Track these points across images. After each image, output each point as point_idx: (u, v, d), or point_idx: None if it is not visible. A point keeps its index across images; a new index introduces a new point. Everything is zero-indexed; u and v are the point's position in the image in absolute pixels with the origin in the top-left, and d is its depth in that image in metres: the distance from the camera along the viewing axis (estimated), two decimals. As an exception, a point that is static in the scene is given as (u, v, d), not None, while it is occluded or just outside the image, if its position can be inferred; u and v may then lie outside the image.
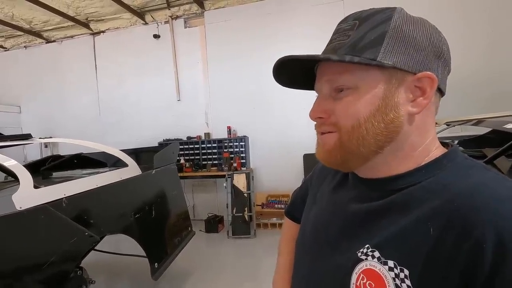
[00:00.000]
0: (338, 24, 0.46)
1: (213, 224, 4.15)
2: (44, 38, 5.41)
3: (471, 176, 0.39)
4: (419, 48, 0.41)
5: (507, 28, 3.57)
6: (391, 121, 0.41)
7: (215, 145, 4.61)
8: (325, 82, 0.45)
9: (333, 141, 0.45)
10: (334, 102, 0.44)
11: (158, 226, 2.37)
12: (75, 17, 4.81)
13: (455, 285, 0.33)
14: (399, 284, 0.37)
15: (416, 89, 0.41)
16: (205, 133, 4.70)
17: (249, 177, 4.00)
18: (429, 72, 0.40)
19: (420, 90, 0.41)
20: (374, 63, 0.40)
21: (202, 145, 4.67)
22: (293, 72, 0.48)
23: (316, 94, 0.49)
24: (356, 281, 0.41)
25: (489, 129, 1.75)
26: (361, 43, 0.41)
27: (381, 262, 0.39)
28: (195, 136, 4.74)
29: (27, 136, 2.22)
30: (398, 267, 0.37)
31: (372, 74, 0.41)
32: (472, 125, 1.81)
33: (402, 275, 0.37)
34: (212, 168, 4.57)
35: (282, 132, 4.40)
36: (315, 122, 0.49)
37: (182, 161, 4.58)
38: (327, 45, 0.46)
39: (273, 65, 0.45)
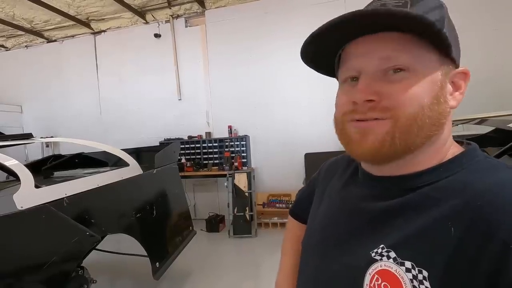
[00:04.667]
0: None
1: (214, 223, 4.15)
2: (45, 38, 5.41)
3: (494, 175, 0.37)
4: (458, 43, 0.40)
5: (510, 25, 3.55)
6: (443, 111, 0.39)
7: (216, 144, 4.60)
8: (375, 59, 0.39)
9: (383, 130, 0.39)
10: (387, 84, 0.38)
11: (159, 226, 2.36)
12: (76, 17, 4.81)
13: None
14: (417, 286, 0.35)
15: (452, 83, 0.41)
16: (206, 133, 4.69)
17: (250, 177, 4.00)
18: (466, 67, 0.40)
19: (454, 85, 0.41)
20: (449, 43, 0.37)
21: (203, 145, 4.66)
22: (322, 46, 0.43)
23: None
24: (370, 282, 0.39)
25: (492, 128, 1.74)
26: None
27: (397, 263, 0.37)
28: (196, 135, 4.74)
29: (28, 136, 2.22)
30: (416, 269, 0.35)
31: (431, 57, 0.38)
32: (476, 124, 1.80)
33: (420, 277, 0.35)
34: (213, 168, 4.56)
35: (283, 132, 4.39)
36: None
37: (183, 160, 4.58)
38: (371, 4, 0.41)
39: (323, 24, 0.38)
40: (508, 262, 0.30)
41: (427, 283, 0.34)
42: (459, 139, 0.46)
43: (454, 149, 0.43)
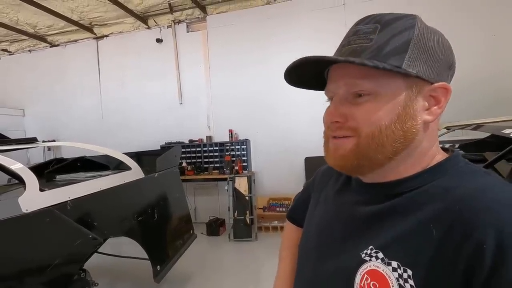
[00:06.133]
0: (356, 25, 0.45)
1: (214, 227, 4.16)
2: (48, 42, 5.48)
3: (474, 181, 0.41)
4: (436, 58, 0.42)
5: (508, 31, 3.59)
6: (409, 129, 0.42)
7: (217, 148, 4.64)
8: (343, 85, 0.44)
9: (349, 146, 0.44)
10: (352, 106, 0.44)
11: (160, 229, 2.38)
12: (79, 22, 4.88)
13: (458, 285, 0.34)
14: (403, 284, 0.38)
15: (430, 98, 0.43)
16: (207, 136, 4.73)
17: (250, 180, 4.02)
18: (445, 83, 0.42)
19: (434, 99, 0.43)
20: (400, 71, 0.40)
21: (204, 148, 4.69)
22: (304, 71, 0.48)
23: (326, 98, 0.50)
24: (360, 282, 0.42)
25: (488, 134, 1.76)
26: (386, 49, 0.41)
27: (384, 263, 0.40)
28: (197, 139, 4.77)
29: (33, 140, 2.25)
30: (402, 268, 0.39)
31: (395, 81, 0.41)
32: (472, 129, 1.82)
33: (405, 275, 0.38)
34: (213, 171, 4.59)
35: (284, 135, 4.42)
36: (326, 126, 0.48)
37: (184, 164, 4.61)
38: (344, 46, 0.45)
39: (289, 65, 0.44)
40: (481, 261, 0.33)
41: (411, 281, 0.37)
42: (445, 146, 0.50)
43: (439, 156, 0.46)
